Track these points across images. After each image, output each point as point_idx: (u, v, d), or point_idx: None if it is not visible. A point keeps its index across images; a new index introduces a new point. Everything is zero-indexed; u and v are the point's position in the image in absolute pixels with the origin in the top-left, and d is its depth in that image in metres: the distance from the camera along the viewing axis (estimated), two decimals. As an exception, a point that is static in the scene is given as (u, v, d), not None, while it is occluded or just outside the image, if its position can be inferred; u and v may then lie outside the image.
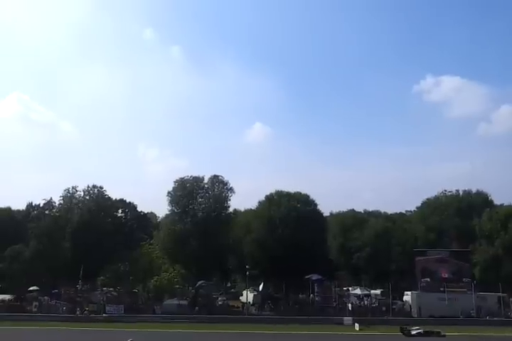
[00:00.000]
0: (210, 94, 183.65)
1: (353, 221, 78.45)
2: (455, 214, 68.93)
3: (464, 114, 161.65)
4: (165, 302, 48.68)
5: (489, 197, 71.91)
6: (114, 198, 70.51)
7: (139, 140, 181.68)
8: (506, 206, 69.36)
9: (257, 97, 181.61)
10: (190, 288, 55.95)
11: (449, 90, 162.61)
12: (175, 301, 48.75)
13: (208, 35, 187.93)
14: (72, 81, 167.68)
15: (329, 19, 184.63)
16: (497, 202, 71.64)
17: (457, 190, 73.99)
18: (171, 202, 65.66)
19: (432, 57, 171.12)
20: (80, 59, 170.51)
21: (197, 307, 47.63)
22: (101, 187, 68.54)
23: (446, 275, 50.98)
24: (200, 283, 53.88)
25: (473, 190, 73.05)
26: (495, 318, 46.15)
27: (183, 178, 66.66)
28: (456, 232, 65.94)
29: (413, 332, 38.11)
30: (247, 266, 53.82)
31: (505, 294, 49.76)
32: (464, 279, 51.15)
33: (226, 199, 66.25)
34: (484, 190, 72.75)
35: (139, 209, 75.57)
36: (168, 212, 67.77)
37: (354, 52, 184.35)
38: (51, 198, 66.31)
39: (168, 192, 65.96)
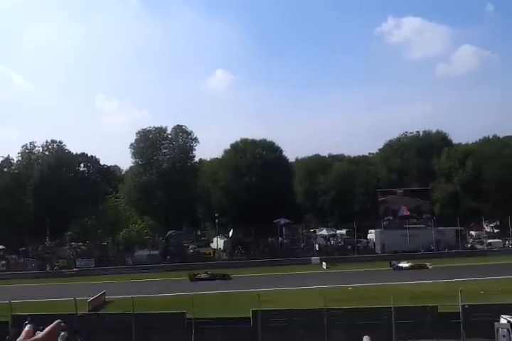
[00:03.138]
0: (169, 39, 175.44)
1: (318, 165, 79.52)
2: (416, 154, 70.72)
3: (424, 56, 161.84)
4: (136, 253, 49.17)
5: (448, 137, 73.94)
6: (74, 152, 68.49)
7: (97, 91, 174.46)
8: (464, 145, 71.77)
9: (218, 43, 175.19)
10: (161, 238, 56.42)
11: (410, 32, 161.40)
12: (146, 252, 49.33)
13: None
14: (23, 32, 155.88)
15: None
16: (456, 141, 73.87)
17: (418, 131, 75.54)
18: (135, 154, 64.29)
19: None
20: (30, 8, 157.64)
21: (168, 256, 48.39)
22: (60, 142, 66.24)
23: (408, 213, 53.24)
24: (170, 232, 54.35)
25: (433, 131, 74.80)
26: (453, 250, 49.07)
27: (145, 129, 64.90)
28: (416, 172, 68.11)
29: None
30: (216, 214, 54.40)
31: (462, 227, 52.74)
32: (424, 215, 53.65)
33: (191, 149, 65.38)
34: (443, 130, 74.60)
35: (101, 162, 73.92)
36: (132, 165, 66.66)
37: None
38: (9, 155, 63.68)
39: (131, 144, 64.36)
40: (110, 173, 76.55)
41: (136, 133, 64.93)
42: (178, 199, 59.41)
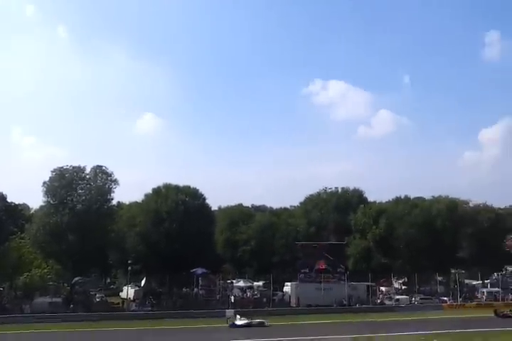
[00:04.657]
0: (99, 80, 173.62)
1: (241, 215, 79.86)
2: (334, 209, 73.56)
3: (347, 117, 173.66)
4: (35, 301, 44.76)
5: (364, 195, 77.92)
6: (-22, 188, 63.20)
7: (13, 125, 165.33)
8: (378, 203, 75.92)
9: (150, 86, 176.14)
10: (66, 284, 52.13)
11: (335, 94, 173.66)
12: (47, 299, 45.11)
13: (95, 16, 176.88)
14: None
15: (226, 15, 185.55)
16: (371, 199, 77.99)
17: (336, 188, 78.95)
18: (47, 193, 60.29)
19: (322, 62, 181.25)
20: None
21: (72, 305, 44.64)
22: (-37, 176, 61.07)
23: (323, 267, 54.07)
24: (76, 279, 50.56)
25: (351, 188, 78.57)
26: (363, 306, 50.13)
27: (61, 167, 61.65)
28: (333, 226, 70.50)
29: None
30: (129, 261, 51.76)
31: (373, 283, 54.41)
32: (338, 270, 54.77)
33: (109, 191, 62.72)
34: (360, 188, 78.62)
35: (8, 199, 68.54)
36: (43, 204, 62.42)
37: (250, 50, 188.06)
38: None
39: (44, 182, 60.60)
40: (17, 212, 71.12)
41: (52, 171, 61.57)
42: (89, 243, 55.93)
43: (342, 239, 63.60)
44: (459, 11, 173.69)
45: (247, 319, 39.05)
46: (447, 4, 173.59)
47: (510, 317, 42.70)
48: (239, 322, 38.75)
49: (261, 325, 38.68)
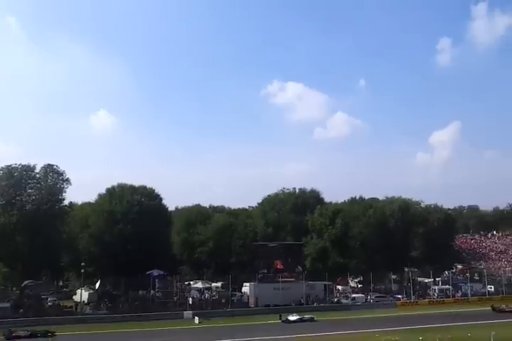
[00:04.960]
0: (51, 75, 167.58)
1: (198, 216, 78.88)
2: (291, 210, 74.06)
3: (304, 118, 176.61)
4: (-20, 306, 42.26)
5: (321, 195, 78.95)
6: None
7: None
8: (334, 204, 77.20)
9: (104, 83, 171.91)
10: (15, 288, 49.55)
11: (293, 96, 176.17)
12: (-5, 304, 42.74)
13: (49, 10, 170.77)
14: None
15: (187, 15, 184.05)
16: (327, 199, 79.17)
17: (294, 188, 79.54)
18: (-6, 193, 57.45)
19: (281, 64, 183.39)
20: None
21: (21, 310, 42.50)
22: None
23: (281, 267, 54.23)
24: (26, 282, 48.21)
25: (308, 189, 79.36)
26: (321, 304, 50.72)
27: (9, 166, 58.87)
28: (291, 226, 71.00)
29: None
30: (82, 263, 49.95)
31: (330, 282, 55.19)
32: (296, 270, 55.17)
33: (61, 190, 60.36)
34: (317, 189, 79.56)
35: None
36: (-11, 204, 59.15)
37: (209, 51, 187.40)
38: None
39: (-9, 182, 57.62)
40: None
41: (-1, 170, 58.70)
42: (40, 245, 53.61)
43: (299, 239, 64.12)
44: (414, 18, 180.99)
45: (299, 315, 42.49)
46: (402, 12, 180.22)
47: (506, 312, 44.58)
48: (292, 317, 42.27)
49: (311, 320, 42.38)
